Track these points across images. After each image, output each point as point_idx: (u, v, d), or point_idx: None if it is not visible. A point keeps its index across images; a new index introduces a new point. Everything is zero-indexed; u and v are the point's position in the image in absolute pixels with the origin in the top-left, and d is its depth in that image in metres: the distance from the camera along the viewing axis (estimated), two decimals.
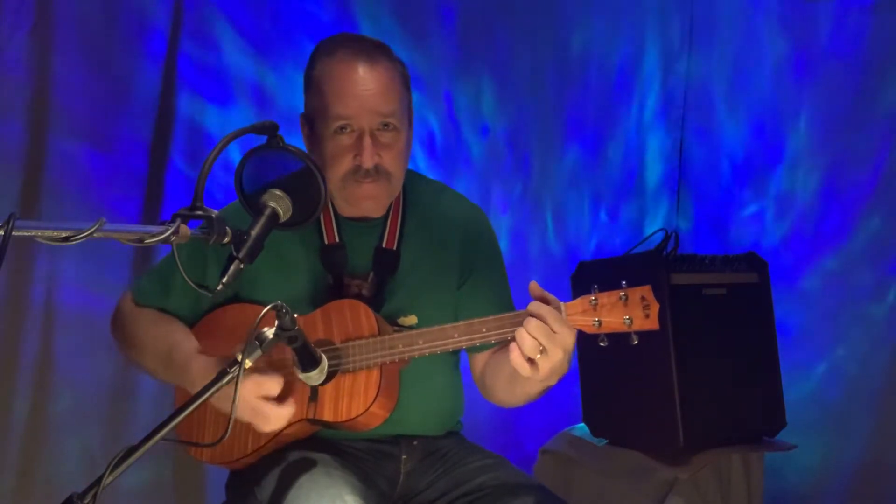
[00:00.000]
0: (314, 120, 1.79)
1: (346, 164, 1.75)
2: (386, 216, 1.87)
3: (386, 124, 1.75)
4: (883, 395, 2.96)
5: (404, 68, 1.84)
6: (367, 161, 1.73)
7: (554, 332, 1.50)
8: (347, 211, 1.85)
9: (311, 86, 1.80)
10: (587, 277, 2.79)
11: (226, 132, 1.40)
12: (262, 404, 1.60)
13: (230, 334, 1.76)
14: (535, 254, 3.34)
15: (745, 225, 3.42)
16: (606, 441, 2.82)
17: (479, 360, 1.88)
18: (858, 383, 3.03)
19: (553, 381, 1.61)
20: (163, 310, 1.85)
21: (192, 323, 1.85)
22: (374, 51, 1.78)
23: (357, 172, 1.75)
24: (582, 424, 2.91)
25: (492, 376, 1.83)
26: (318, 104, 1.78)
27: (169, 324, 1.82)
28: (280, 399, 1.62)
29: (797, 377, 3.10)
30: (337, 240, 1.83)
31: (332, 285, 1.82)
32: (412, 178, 1.95)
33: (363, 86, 1.74)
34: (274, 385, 1.60)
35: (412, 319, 1.82)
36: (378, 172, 1.76)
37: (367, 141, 1.73)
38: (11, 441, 2.39)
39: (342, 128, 1.74)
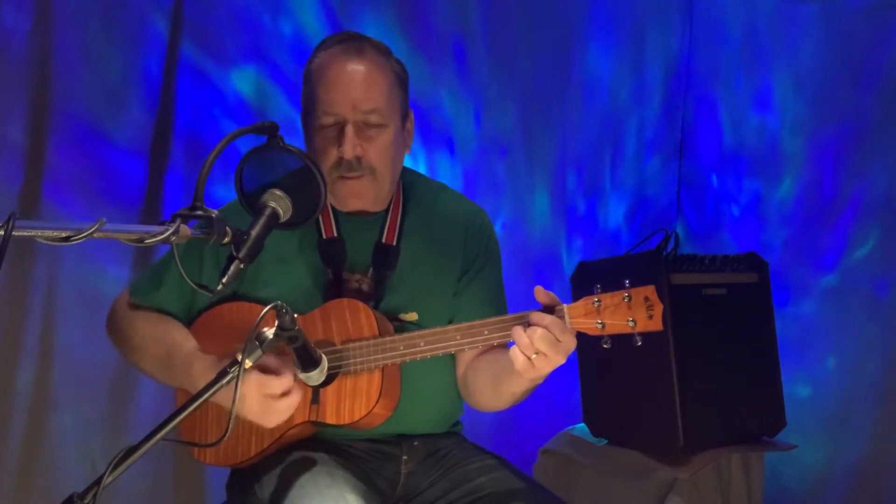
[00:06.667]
0: (307, 114, 1.81)
1: (331, 157, 1.75)
2: (386, 211, 1.86)
3: (369, 119, 1.75)
4: (883, 395, 2.96)
5: (399, 67, 1.84)
6: (348, 151, 1.73)
7: (559, 341, 1.52)
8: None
9: (306, 79, 1.82)
10: (587, 277, 2.79)
11: (226, 133, 1.40)
12: (269, 401, 1.60)
13: (229, 333, 1.76)
14: (534, 253, 3.34)
15: (746, 224, 3.42)
16: (606, 441, 2.82)
17: (462, 361, 1.87)
18: (858, 383, 3.03)
19: (540, 381, 1.62)
20: (158, 308, 1.84)
21: (187, 321, 1.85)
22: (366, 46, 1.79)
23: (340, 166, 1.75)
24: (582, 424, 2.90)
25: (475, 378, 1.83)
26: (309, 96, 1.80)
27: (167, 324, 1.82)
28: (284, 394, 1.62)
29: (797, 377, 3.10)
30: (335, 234, 1.83)
31: (331, 280, 1.81)
32: (412, 176, 1.95)
33: (348, 77, 1.75)
34: (277, 385, 1.60)
35: (412, 316, 1.82)
36: (361, 167, 1.76)
37: (349, 131, 1.73)
38: (11, 440, 2.39)
39: (327, 120, 1.75)
